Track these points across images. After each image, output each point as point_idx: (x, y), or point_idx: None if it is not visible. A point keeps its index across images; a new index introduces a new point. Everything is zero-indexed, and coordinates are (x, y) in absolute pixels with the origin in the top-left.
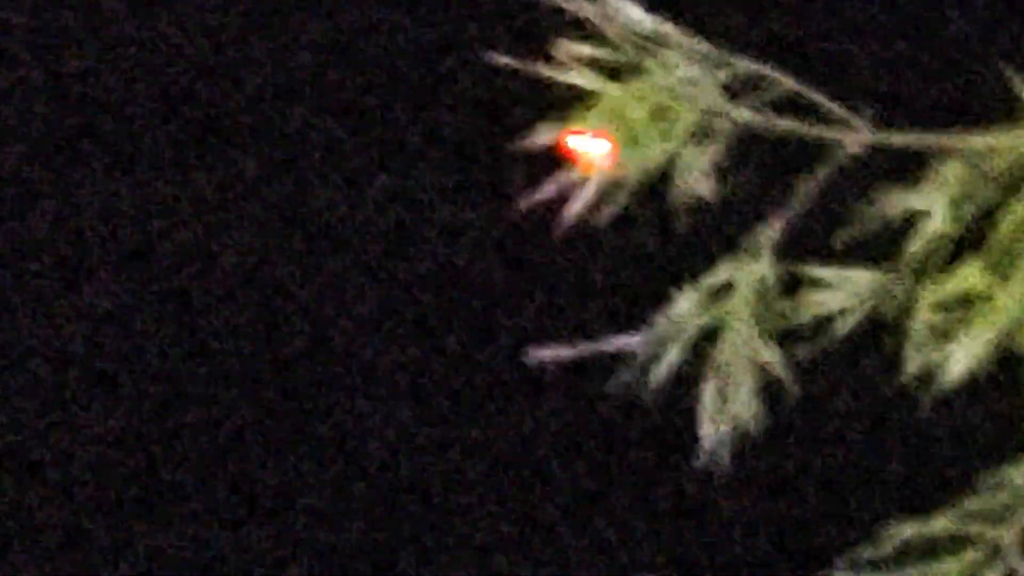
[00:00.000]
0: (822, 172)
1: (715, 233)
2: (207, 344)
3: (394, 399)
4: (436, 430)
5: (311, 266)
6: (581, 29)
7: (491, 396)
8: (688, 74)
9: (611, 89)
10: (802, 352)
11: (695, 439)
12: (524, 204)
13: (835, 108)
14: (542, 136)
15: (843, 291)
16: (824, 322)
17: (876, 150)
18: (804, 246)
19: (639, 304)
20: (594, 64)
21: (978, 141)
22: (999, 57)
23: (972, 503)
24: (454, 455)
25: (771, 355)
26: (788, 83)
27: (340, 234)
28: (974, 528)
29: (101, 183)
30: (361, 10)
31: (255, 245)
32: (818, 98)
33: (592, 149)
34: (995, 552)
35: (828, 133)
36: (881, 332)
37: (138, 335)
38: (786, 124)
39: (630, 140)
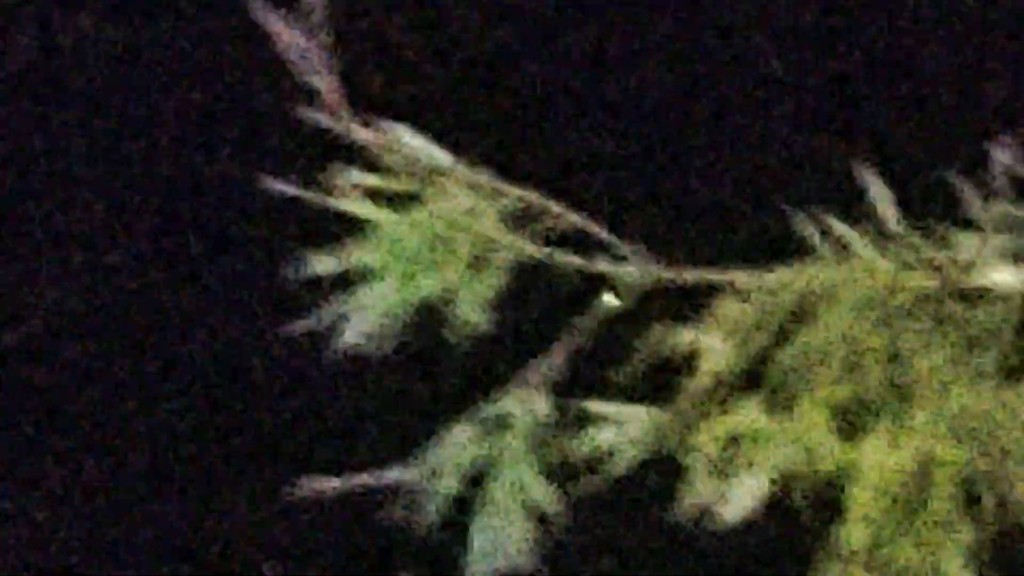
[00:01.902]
0: (601, 307)
1: (493, 366)
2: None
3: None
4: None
5: None
6: (362, 158)
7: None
8: (467, 204)
9: (388, 219)
10: (579, 489)
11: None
12: (296, 331)
13: (615, 242)
14: (318, 265)
15: (621, 428)
16: (602, 459)
17: (658, 286)
18: (583, 382)
19: (413, 437)
20: (373, 193)
21: (758, 279)
22: (780, 194)
23: None
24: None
25: (545, 492)
26: (569, 216)
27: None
28: None
29: None
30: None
31: None
32: (598, 231)
33: None
34: None
35: (607, 267)
36: (660, 469)
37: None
38: (564, 258)
39: (407, 270)
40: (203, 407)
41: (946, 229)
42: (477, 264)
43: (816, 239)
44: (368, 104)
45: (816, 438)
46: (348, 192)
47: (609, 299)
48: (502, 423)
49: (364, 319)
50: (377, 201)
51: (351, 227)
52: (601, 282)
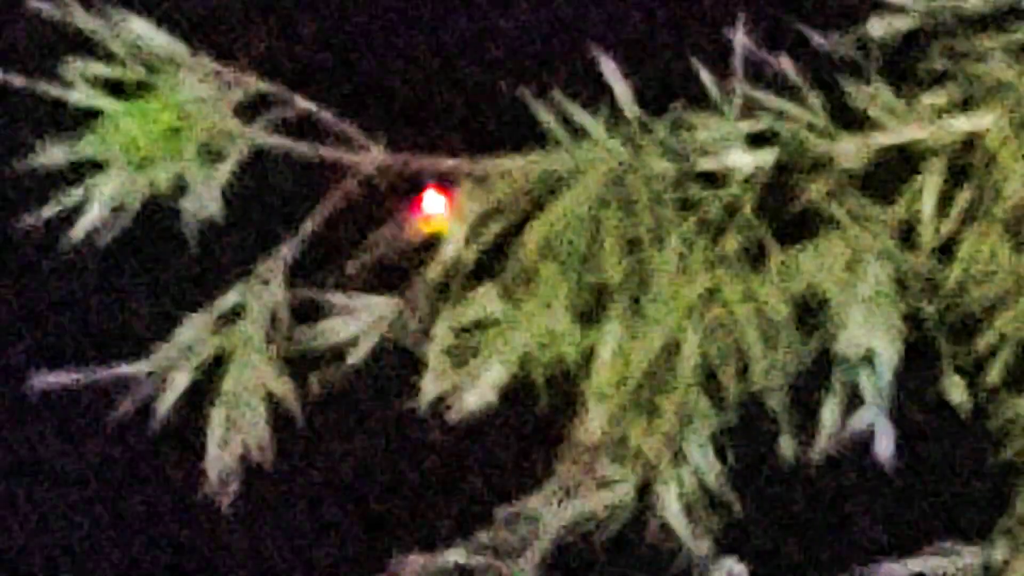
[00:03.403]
0: (336, 195)
1: (227, 256)
2: None
3: None
4: None
5: None
6: (95, 48)
7: None
8: (198, 93)
9: (117, 109)
10: (316, 381)
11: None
12: (27, 223)
13: (350, 129)
14: (48, 156)
15: (357, 318)
16: (339, 350)
17: (396, 174)
18: (319, 272)
19: (145, 328)
20: (102, 83)
21: (495, 165)
22: (520, 84)
23: (488, 536)
24: None
25: (281, 383)
26: (302, 103)
27: None
28: (490, 561)
29: None
30: None
31: None
32: (333, 119)
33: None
34: None
35: (343, 155)
36: (398, 360)
37: None
38: (297, 146)
39: (138, 161)
40: None
41: (685, 113)
42: (210, 154)
43: (554, 126)
44: None
45: (555, 324)
46: (79, 83)
47: None
48: (237, 314)
49: (95, 210)
50: (112, 92)
51: (87, 119)
52: (337, 170)
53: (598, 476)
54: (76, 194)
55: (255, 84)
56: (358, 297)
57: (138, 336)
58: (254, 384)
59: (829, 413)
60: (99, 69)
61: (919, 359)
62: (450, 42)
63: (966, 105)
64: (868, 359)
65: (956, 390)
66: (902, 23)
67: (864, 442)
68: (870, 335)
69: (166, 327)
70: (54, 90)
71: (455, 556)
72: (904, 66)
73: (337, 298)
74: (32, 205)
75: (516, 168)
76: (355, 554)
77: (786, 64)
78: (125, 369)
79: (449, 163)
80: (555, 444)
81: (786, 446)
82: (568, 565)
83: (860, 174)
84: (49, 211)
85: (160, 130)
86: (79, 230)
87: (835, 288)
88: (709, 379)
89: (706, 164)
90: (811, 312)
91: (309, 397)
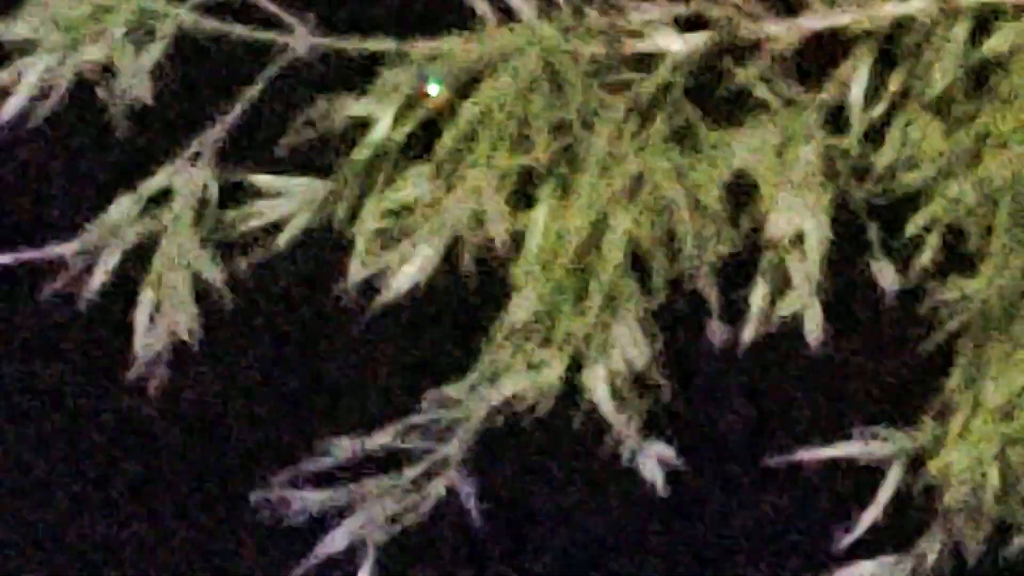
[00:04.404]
0: (265, 76)
1: (155, 138)
2: None
3: None
4: None
5: None
6: None
7: None
8: None
9: None
10: (244, 263)
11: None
12: None
13: (279, 11)
14: None
15: (286, 200)
16: (267, 231)
17: (324, 56)
18: (248, 154)
19: (76, 210)
20: None
21: (424, 47)
22: None
23: (416, 419)
24: None
25: (209, 265)
26: None
27: None
28: (417, 444)
29: None
30: None
31: None
32: (265, 2)
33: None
34: (441, 466)
35: (272, 36)
36: (327, 243)
37: None
38: (227, 27)
39: (65, 41)
40: None
41: None
42: (139, 35)
43: (483, 6)
44: None
45: (485, 205)
46: None
47: None
48: (166, 196)
49: (23, 92)
50: None
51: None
52: (267, 52)
53: (526, 358)
54: (3, 76)
55: None
56: (286, 179)
57: (67, 219)
58: (182, 266)
59: (758, 297)
60: None
61: (849, 244)
62: None
63: None
64: (797, 241)
65: (885, 274)
66: None
67: (794, 326)
68: (799, 218)
69: (95, 209)
70: None
71: (384, 439)
72: None
73: (265, 180)
74: None
75: (446, 50)
76: (282, 439)
77: None
78: (53, 250)
79: (382, 44)
80: (484, 326)
81: (715, 329)
82: (496, 447)
83: (791, 58)
84: None
85: (89, 9)
86: (7, 112)
87: (765, 171)
88: (639, 262)
89: (637, 47)
90: (741, 195)
91: (236, 280)
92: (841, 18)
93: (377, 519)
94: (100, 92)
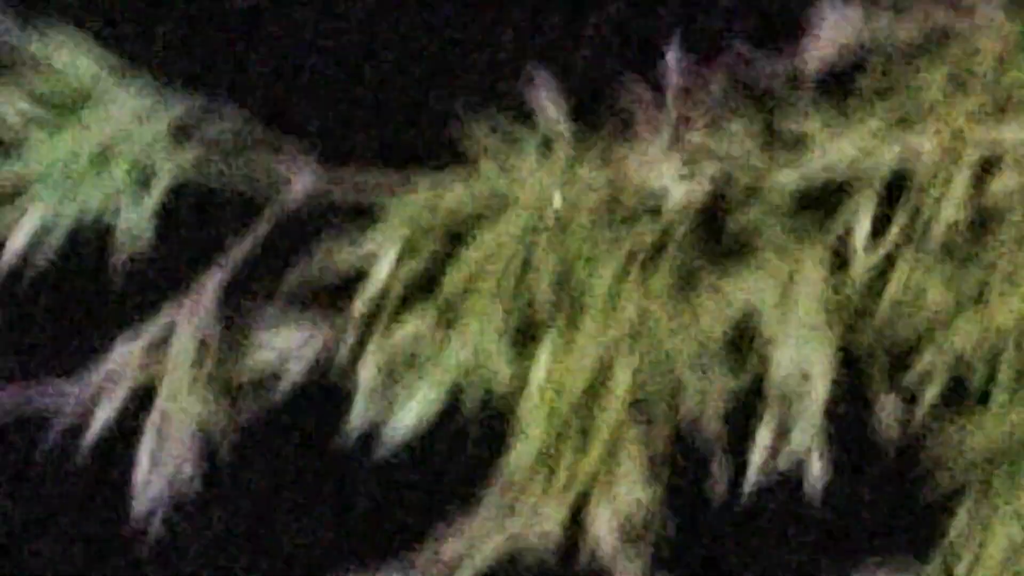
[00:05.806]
0: (268, 217)
1: (157, 282)
2: None
3: None
4: None
5: None
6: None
7: None
8: (131, 113)
9: (40, 134)
10: (245, 409)
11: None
12: None
13: (287, 146)
14: None
15: (288, 344)
16: (269, 377)
17: (329, 195)
18: (251, 296)
19: (76, 355)
20: (40, 100)
21: (428, 185)
22: (450, 98)
23: (420, 558)
24: None
25: (211, 410)
26: (239, 122)
27: None
28: None
29: None
30: None
31: None
32: (272, 137)
33: None
34: None
35: (275, 174)
36: (329, 387)
37: None
38: (227, 168)
39: (66, 184)
40: None
41: (617, 140)
42: (141, 176)
43: (485, 147)
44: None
45: (487, 348)
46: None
47: None
48: (167, 341)
49: (20, 236)
50: (41, 109)
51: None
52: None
53: (529, 504)
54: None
55: (191, 102)
56: (285, 330)
57: (66, 363)
58: (182, 412)
59: (760, 444)
60: (31, 86)
61: (853, 389)
62: (372, 57)
63: (901, 123)
64: (802, 385)
65: (888, 420)
66: (836, 53)
67: (797, 470)
68: (804, 361)
69: (94, 353)
70: None
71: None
72: (838, 90)
73: (269, 323)
74: None
75: (448, 189)
76: None
77: (720, 84)
78: (53, 397)
79: (384, 179)
80: (486, 472)
81: (718, 478)
82: None
83: (794, 198)
84: None
85: (89, 151)
86: (6, 256)
87: (769, 314)
88: (641, 411)
89: (638, 192)
90: (745, 339)
91: (236, 427)
92: (842, 162)
93: None
94: (100, 233)
